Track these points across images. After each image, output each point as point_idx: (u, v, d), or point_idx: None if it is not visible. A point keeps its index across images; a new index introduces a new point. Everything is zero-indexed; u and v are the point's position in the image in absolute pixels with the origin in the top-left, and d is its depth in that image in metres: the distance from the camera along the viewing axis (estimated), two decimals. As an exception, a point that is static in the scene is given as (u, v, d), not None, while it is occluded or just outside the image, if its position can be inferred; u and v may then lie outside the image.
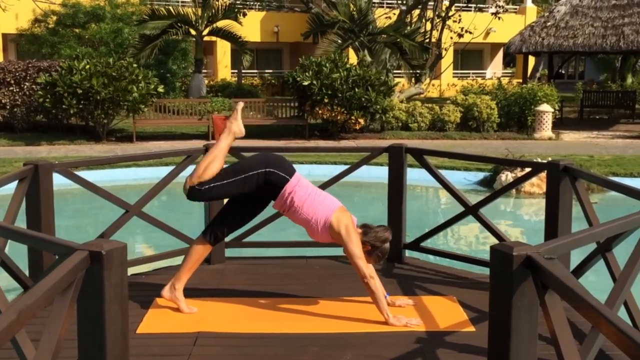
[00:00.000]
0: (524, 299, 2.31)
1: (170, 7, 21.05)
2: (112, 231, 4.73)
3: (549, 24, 19.97)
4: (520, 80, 22.42)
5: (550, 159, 4.90)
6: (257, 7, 27.60)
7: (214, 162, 4.00)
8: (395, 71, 22.31)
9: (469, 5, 27.71)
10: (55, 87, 14.89)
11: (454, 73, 31.00)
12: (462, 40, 23.22)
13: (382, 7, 25.88)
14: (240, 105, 4.30)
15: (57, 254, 2.42)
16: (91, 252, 2.24)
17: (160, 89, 16.12)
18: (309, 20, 20.93)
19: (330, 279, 4.73)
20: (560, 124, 19.26)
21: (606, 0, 19.77)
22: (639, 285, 3.30)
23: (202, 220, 5.28)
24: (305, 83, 15.90)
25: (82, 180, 4.67)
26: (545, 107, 17.17)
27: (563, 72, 37.72)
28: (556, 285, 2.18)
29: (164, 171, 5.62)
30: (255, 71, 29.39)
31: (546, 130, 17.14)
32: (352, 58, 20.17)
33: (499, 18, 24.25)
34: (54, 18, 22.16)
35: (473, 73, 32.54)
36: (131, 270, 4.75)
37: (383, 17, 22.28)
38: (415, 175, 6.67)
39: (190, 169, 5.30)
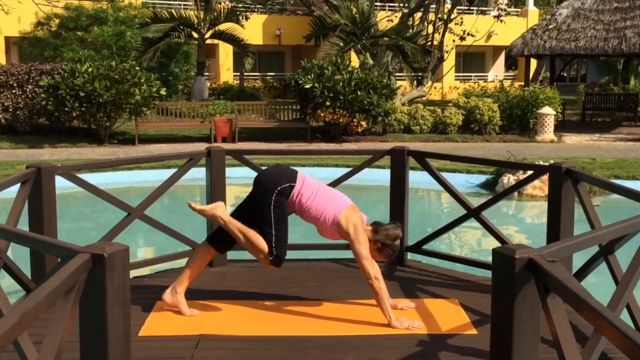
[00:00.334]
0: (526, 301, 2.31)
1: (173, 10, 21.07)
2: (114, 234, 4.74)
3: (550, 26, 19.97)
4: (522, 83, 22.43)
5: (552, 161, 4.90)
6: (259, 10, 27.63)
7: (249, 235, 3.96)
8: (397, 74, 22.32)
9: (471, 8, 27.73)
10: (57, 90, 14.91)
11: (456, 76, 31.01)
12: (464, 43, 23.23)
13: (384, 10, 25.89)
14: (219, 212, 4.12)
15: (59, 257, 2.42)
16: (93, 254, 2.24)
17: (163, 91, 16.13)
18: (311, 23, 20.95)
19: (332, 282, 4.73)
20: (562, 126, 19.26)
21: (608, 3, 19.77)
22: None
23: (204, 223, 5.28)
24: (307, 86, 15.91)
25: (84, 183, 4.68)
26: (547, 109, 17.17)
27: (565, 74, 37.71)
28: (558, 288, 2.18)
29: (166, 174, 5.64)
30: (257, 74, 29.42)
31: (548, 133, 17.13)
32: (354, 61, 20.17)
33: (501, 21, 24.26)
34: (57, 21, 22.20)
35: (475, 76, 32.54)
36: (133, 273, 4.75)
37: (385, 20, 22.33)
38: (417, 178, 6.67)
39: (192, 172, 5.32)
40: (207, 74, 24.50)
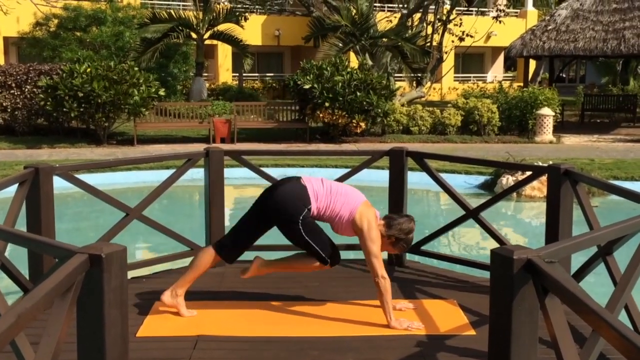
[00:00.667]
0: (524, 302, 2.30)
1: (172, 11, 21.07)
2: (113, 234, 4.73)
3: (549, 27, 19.98)
4: (521, 84, 22.45)
5: (551, 162, 4.90)
6: (258, 10, 27.63)
7: (296, 265, 4.14)
8: (396, 75, 22.32)
9: (470, 9, 27.74)
10: (56, 91, 14.90)
11: (455, 77, 31.02)
12: (463, 43, 23.24)
13: (383, 10, 25.90)
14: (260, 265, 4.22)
15: (57, 257, 2.42)
16: (91, 255, 2.24)
17: (161, 92, 16.12)
18: (310, 23, 20.95)
19: (331, 282, 4.72)
20: (561, 127, 19.27)
21: (607, 4, 19.78)
22: (640, 289, 3.29)
23: (202, 224, 5.28)
24: (307, 86, 15.91)
25: (82, 184, 4.67)
26: (546, 110, 17.17)
27: (564, 75, 37.73)
28: (557, 289, 2.18)
29: (164, 174, 5.63)
30: (257, 74, 29.42)
31: (547, 133, 17.14)
32: (353, 62, 20.19)
33: (500, 22, 24.27)
34: (55, 21, 22.19)
35: (474, 77, 32.55)
36: (131, 274, 4.74)
37: (384, 21, 22.33)
38: (415, 179, 6.66)
39: (190, 172, 5.32)
40: (206, 74, 24.49)
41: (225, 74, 28.29)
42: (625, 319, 3.22)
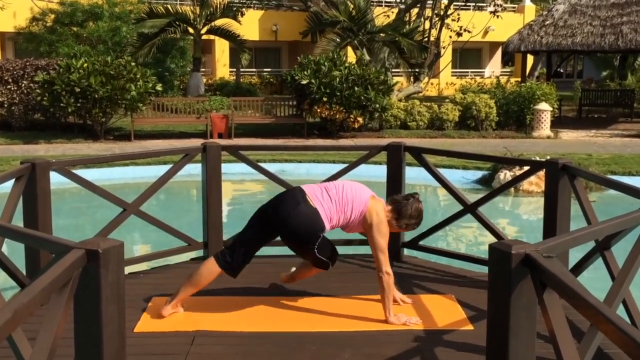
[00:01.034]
0: (522, 297, 2.30)
1: (169, 6, 21.02)
2: (110, 230, 4.72)
3: (547, 22, 19.97)
4: (519, 79, 22.42)
5: (548, 157, 4.90)
6: (255, 5, 27.58)
7: (308, 271, 4.26)
8: (393, 70, 22.30)
9: (468, 3, 27.69)
10: (53, 86, 14.86)
11: (452, 72, 31.00)
12: (460, 39, 23.20)
13: (381, 5, 25.87)
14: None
15: (54, 253, 2.41)
16: (88, 250, 2.23)
17: (159, 87, 16.08)
18: (308, 18, 20.91)
19: (329, 278, 4.71)
20: (558, 122, 19.27)
21: (605, -1, 19.78)
22: (638, 283, 3.29)
23: (199, 219, 5.27)
24: (304, 82, 15.89)
25: (79, 179, 4.66)
26: (543, 105, 17.17)
27: (561, 70, 37.73)
28: (555, 283, 2.18)
29: (161, 170, 5.61)
30: (254, 70, 29.37)
31: (545, 129, 17.14)
32: (351, 57, 20.16)
33: (498, 17, 24.23)
34: (52, 16, 22.13)
35: (471, 72, 32.53)
36: (128, 269, 4.74)
37: (382, 16, 22.29)
38: (413, 174, 6.66)
39: (188, 168, 5.30)
40: (203, 69, 24.45)
41: (223, 69, 28.24)
42: (623, 314, 3.22)
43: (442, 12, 22.41)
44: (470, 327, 3.85)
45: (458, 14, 23.24)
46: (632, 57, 29.91)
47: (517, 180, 5.39)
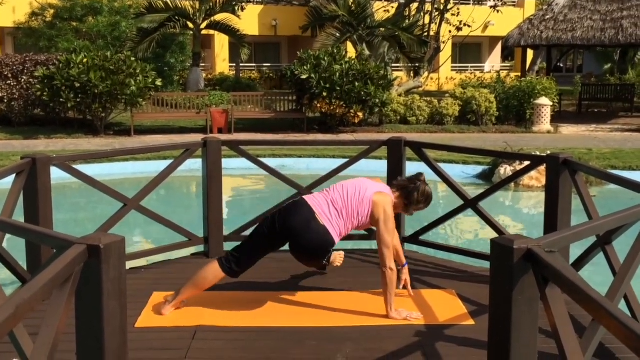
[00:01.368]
0: (524, 292, 2.30)
1: (168, 1, 20.96)
2: (111, 225, 4.72)
3: (547, 17, 19.93)
4: (519, 74, 22.40)
5: (549, 152, 4.89)
6: (255, 0, 27.51)
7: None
8: (393, 65, 22.26)
9: (468, -2, 27.65)
10: (52, 81, 14.84)
11: (452, 66, 30.96)
12: (460, 33, 23.17)
13: (381, 0, 25.82)
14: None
15: (55, 248, 2.41)
16: (89, 245, 2.23)
17: (158, 82, 16.06)
18: (308, 13, 20.87)
19: (330, 273, 4.72)
20: (559, 117, 19.25)
21: (605, -7, 19.74)
22: (639, 278, 3.29)
23: (200, 215, 5.27)
24: (304, 77, 15.87)
25: (80, 174, 4.65)
26: (544, 100, 17.15)
27: (562, 65, 37.67)
28: (557, 278, 2.17)
29: (162, 165, 5.61)
30: (254, 65, 29.33)
31: (545, 123, 17.12)
32: (351, 52, 20.12)
33: (498, 11, 24.20)
34: (52, 11, 22.08)
35: (471, 66, 32.49)
36: (130, 264, 4.74)
37: (381, 11, 22.23)
38: (414, 169, 6.62)
39: (188, 163, 5.30)
40: (203, 64, 24.42)
41: (222, 64, 28.21)
42: (624, 308, 3.22)
43: (442, 7, 22.38)
44: (471, 322, 3.86)
45: (458, 9, 23.20)
46: (633, 52, 29.87)
47: (517, 175, 5.39)
